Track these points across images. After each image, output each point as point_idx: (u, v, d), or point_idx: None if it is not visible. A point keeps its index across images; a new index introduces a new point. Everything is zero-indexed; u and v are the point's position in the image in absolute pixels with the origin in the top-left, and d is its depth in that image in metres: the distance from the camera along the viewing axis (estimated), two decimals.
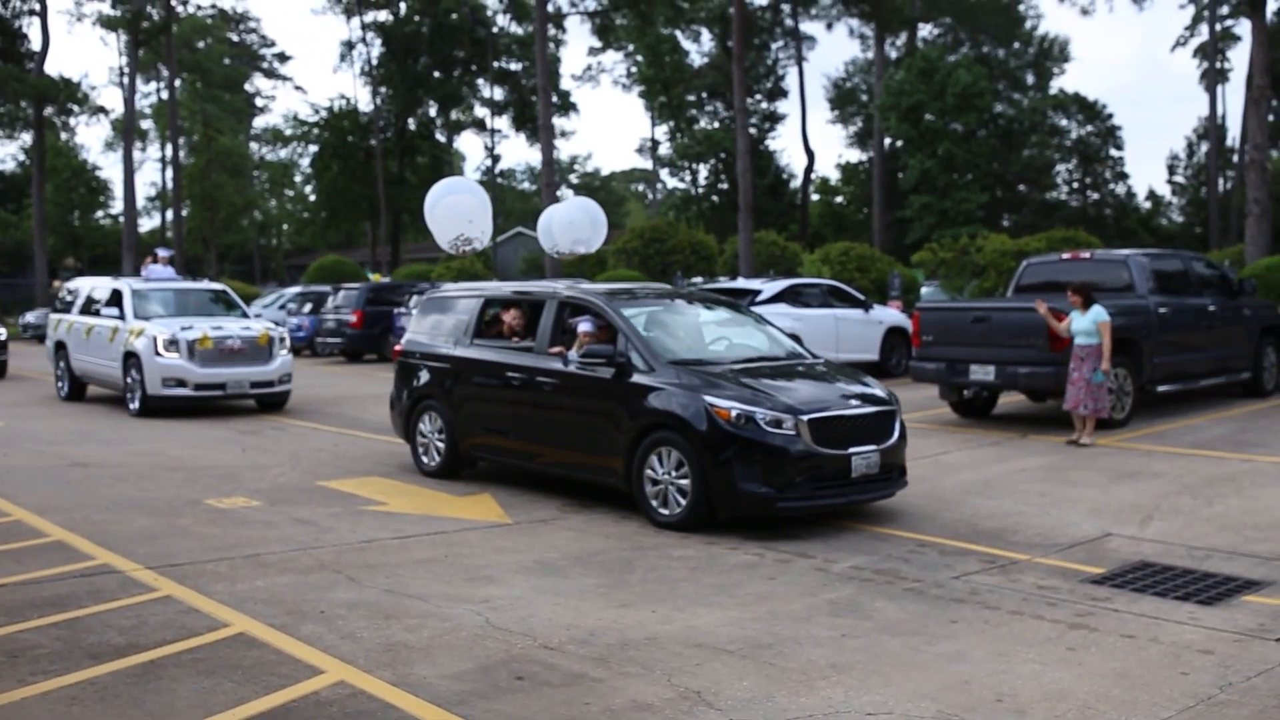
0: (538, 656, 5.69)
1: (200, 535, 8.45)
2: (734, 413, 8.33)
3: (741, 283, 21.24)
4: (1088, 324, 12.38)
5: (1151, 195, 65.68)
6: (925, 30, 63.36)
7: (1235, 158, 51.94)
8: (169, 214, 60.25)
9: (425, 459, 11.12)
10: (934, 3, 60.15)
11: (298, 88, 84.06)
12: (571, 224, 12.43)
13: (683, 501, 8.55)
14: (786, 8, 57.25)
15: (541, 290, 10.63)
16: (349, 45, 59.96)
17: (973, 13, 61.72)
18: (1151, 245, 47.86)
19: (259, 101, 77.79)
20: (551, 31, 53.91)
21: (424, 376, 11.14)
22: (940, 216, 50.52)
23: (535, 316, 10.44)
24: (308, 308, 30.90)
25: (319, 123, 58.84)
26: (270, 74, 77.13)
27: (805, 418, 8.32)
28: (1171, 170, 65.56)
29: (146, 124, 70.97)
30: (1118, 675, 5.40)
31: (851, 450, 8.48)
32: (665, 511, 8.69)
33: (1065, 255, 16.36)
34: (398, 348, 11.86)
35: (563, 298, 10.12)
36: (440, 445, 10.91)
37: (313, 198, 66.99)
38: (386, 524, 8.90)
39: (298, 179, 73.89)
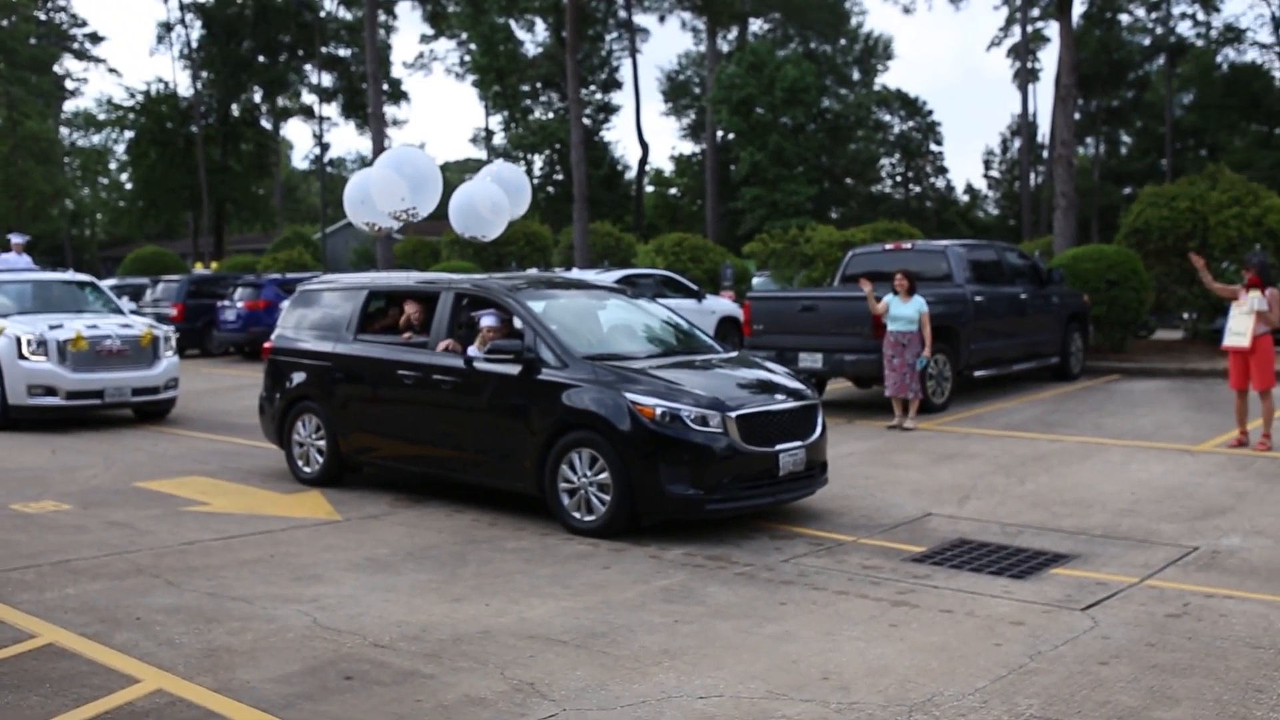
0: (368, 655, 5.58)
1: (4, 542, 7.97)
2: (658, 411, 7.85)
3: (576, 274, 21.24)
4: (910, 311, 12.83)
5: (969, 189, 68.63)
6: (755, 25, 64.59)
7: (1045, 153, 54.57)
8: None
9: (303, 466, 10.26)
10: None
11: (112, 70, 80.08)
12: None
13: (603, 506, 8.02)
14: None
15: (435, 282, 10.03)
16: (167, 27, 57.44)
17: (800, 9, 63.16)
18: (969, 236, 49.96)
19: (69, 84, 73.83)
20: (382, 17, 52.86)
21: (299, 376, 10.29)
22: (771, 208, 51.60)
23: (428, 310, 9.76)
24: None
25: (135, 107, 56.24)
26: (81, 55, 73.24)
27: (733, 414, 7.93)
28: (987, 165, 68.61)
29: None
30: (936, 648, 5.61)
31: (779, 447, 8.13)
32: (585, 518, 8.13)
33: (888, 246, 16.90)
34: (267, 345, 10.95)
35: (459, 289, 9.53)
36: (320, 450, 10.09)
37: (129, 186, 64.06)
38: (209, 524, 8.58)
39: (113, 166, 70.53)
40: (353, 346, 9.97)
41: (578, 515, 8.18)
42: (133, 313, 16.26)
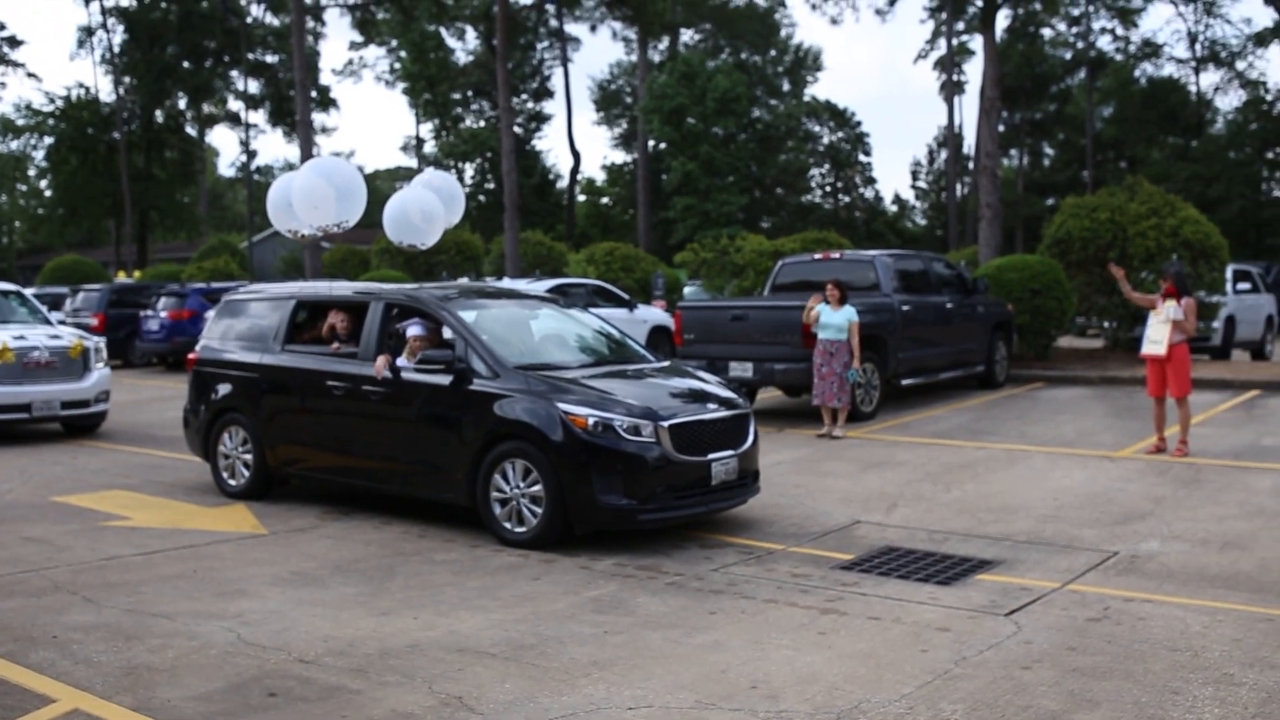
0: (293, 671, 5.49)
1: None
2: (591, 420, 7.81)
3: (507, 283, 21.18)
4: (840, 321, 12.95)
5: (897, 199, 69.74)
6: (686, 36, 64.98)
7: (971, 165, 55.52)
8: None
9: (229, 479, 10.05)
10: (695, 9, 61.71)
11: (31, 75, 78.03)
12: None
13: (535, 517, 7.97)
14: (551, 8, 57.47)
15: (363, 292, 9.80)
16: (88, 31, 56.27)
17: (731, 20, 63.70)
18: (897, 246, 50.62)
19: None
20: (310, 24, 52.30)
21: (225, 388, 10.08)
22: (702, 218, 51.93)
23: (357, 320, 9.57)
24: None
25: (55, 113, 55.02)
26: None
27: (665, 424, 7.91)
28: (915, 176, 69.73)
29: None
30: (864, 655, 5.66)
31: (711, 456, 8.12)
32: (517, 529, 8.06)
33: (817, 255, 17.08)
34: (192, 355, 10.71)
35: (389, 299, 9.36)
36: (247, 463, 9.89)
37: (49, 193, 62.60)
38: (130, 539, 8.39)
39: (32, 173, 68.88)
40: (280, 357, 9.80)
41: (510, 526, 8.11)
42: (61, 323, 15.84)
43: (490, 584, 7.12)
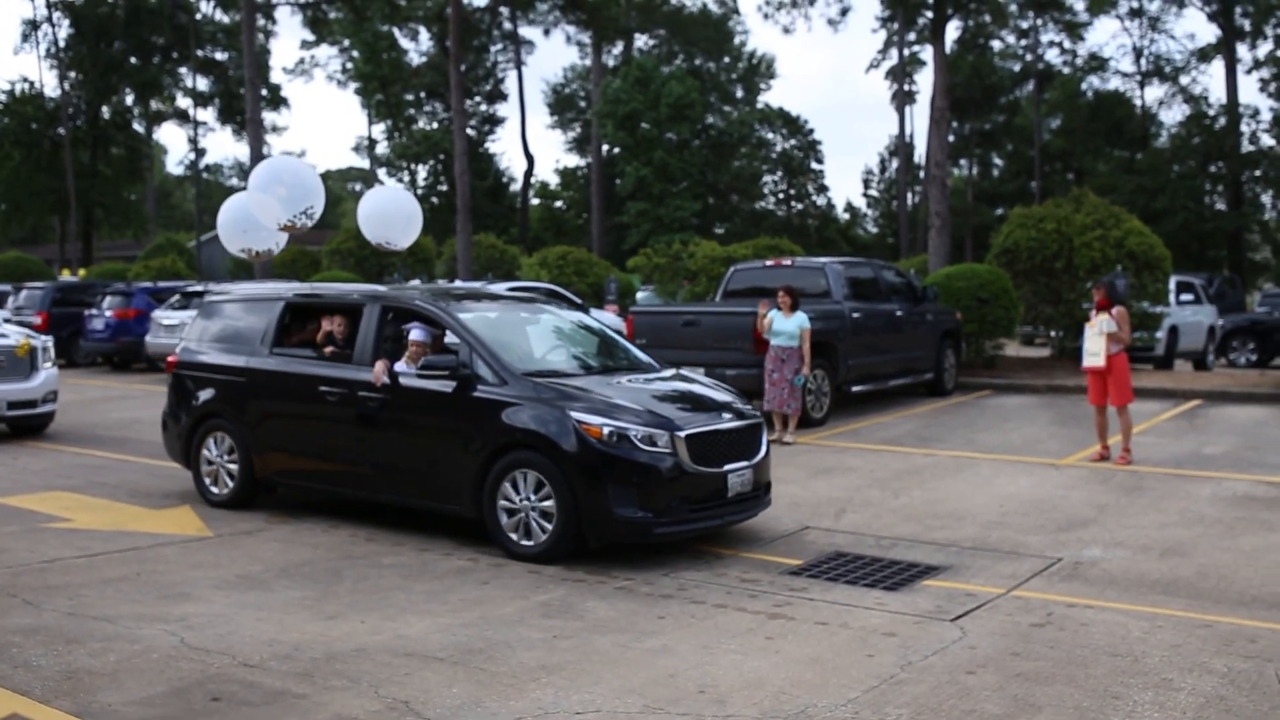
0: (237, 675, 5.43)
1: None
2: (606, 430, 7.52)
3: (454, 286, 21.06)
4: (791, 327, 13.03)
5: (849, 207, 70.21)
6: (640, 41, 65.04)
7: (922, 174, 56.06)
8: None
9: (213, 487, 9.64)
10: (649, 14, 61.83)
11: None
12: (384, 218, 10.25)
13: (545, 530, 7.66)
14: (505, 11, 57.34)
15: (358, 293, 9.45)
16: (33, 25, 55.23)
17: (685, 26, 63.85)
18: (848, 254, 51.03)
19: None
20: (260, 22, 51.78)
21: (209, 392, 9.69)
22: (656, 223, 52.00)
23: (351, 323, 9.25)
24: None
25: None
26: None
27: (682, 434, 7.65)
28: (866, 184, 70.25)
29: None
30: (811, 660, 5.70)
31: (727, 467, 7.91)
32: (526, 542, 7.74)
33: (769, 262, 17.17)
34: (171, 358, 10.30)
35: (386, 302, 9.01)
36: (232, 471, 9.51)
37: None
38: (71, 541, 8.25)
39: None
40: (269, 361, 9.43)
41: (518, 539, 7.80)
42: (6, 321, 15.52)
43: (438, 588, 7.09)
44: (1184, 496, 9.94)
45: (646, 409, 7.83)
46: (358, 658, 5.70)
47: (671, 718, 4.94)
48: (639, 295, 28.59)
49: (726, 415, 8.21)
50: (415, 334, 8.70)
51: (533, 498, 7.73)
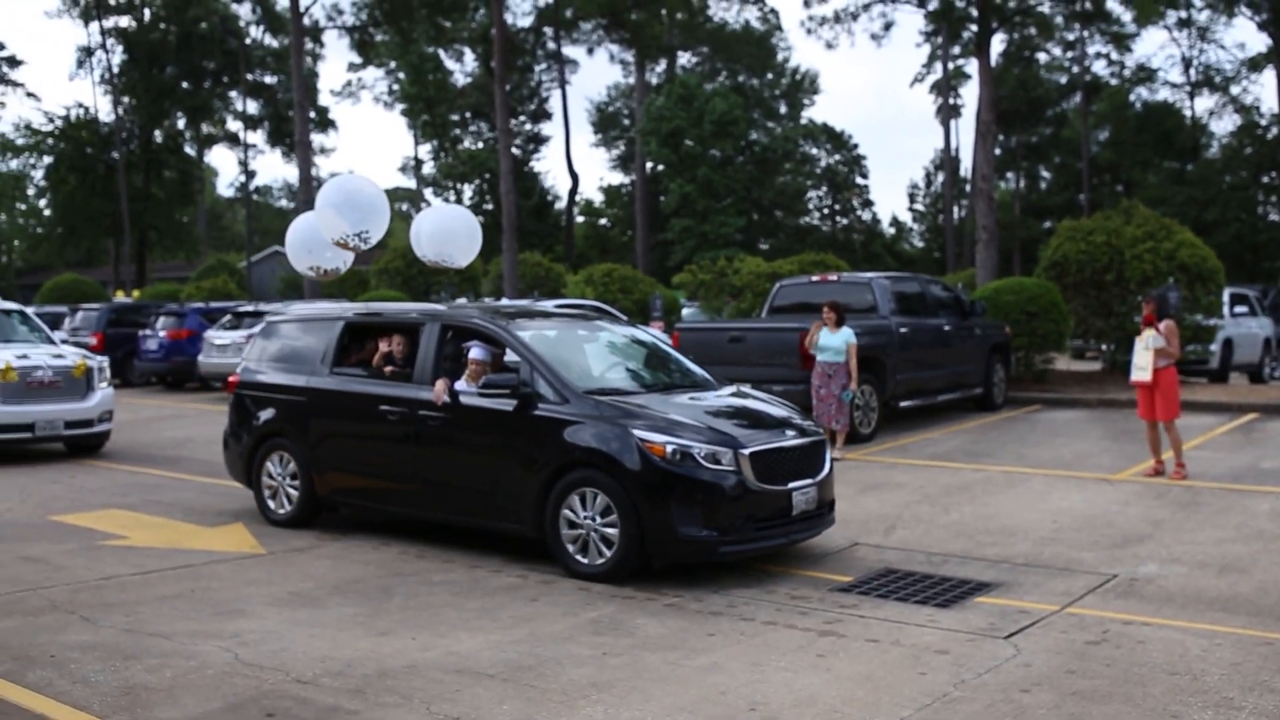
0: (290, 691, 5.48)
1: None
2: (669, 448, 7.46)
3: (506, 304, 21.18)
4: (838, 343, 12.98)
5: (895, 221, 69.74)
6: (684, 58, 65.22)
7: (968, 188, 55.69)
8: None
9: (274, 505, 9.68)
10: (692, 32, 61.94)
11: (30, 94, 78.31)
12: (446, 235, 10.09)
13: (608, 550, 7.61)
14: (549, 31, 57.73)
15: (417, 312, 9.43)
16: (87, 51, 56.39)
17: (728, 43, 63.93)
18: (894, 269, 50.75)
19: None
20: (309, 45, 52.49)
21: (270, 412, 9.75)
22: (700, 239, 52.01)
23: (410, 343, 9.27)
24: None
25: (54, 133, 55.13)
26: None
27: (745, 451, 7.58)
28: (912, 198, 69.90)
29: None
30: (862, 678, 5.66)
31: (791, 485, 7.81)
32: (586, 561, 7.70)
33: (815, 277, 17.12)
34: (233, 378, 10.40)
35: (446, 321, 9.00)
36: (292, 490, 9.54)
37: (48, 212, 62.69)
38: (127, 559, 8.38)
39: (30, 192, 68.98)
40: (329, 380, 9.46)
41: (580, 558, 7.76)
42: (64, 342, 15.84)
43: (489, 605, 7.11)
44: (1241, 511, 9.77)
45: (709, 426, 7.76)
46: (409, 674, 5.73)
47: None
48: (684, 312, 28.59)
49: (790, 432, 8.11)
50: (475, 352, 8.67)
51: (596, 517, 7.68)
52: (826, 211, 66.50)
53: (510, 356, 8.70)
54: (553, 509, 7.87)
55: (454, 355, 9.03)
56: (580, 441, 7.78)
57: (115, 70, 54.88)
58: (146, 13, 55.23)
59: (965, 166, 59.12)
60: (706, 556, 7.55)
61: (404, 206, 75.87)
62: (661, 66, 62.77)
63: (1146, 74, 55.66)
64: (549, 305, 19.98)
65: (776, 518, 7.76)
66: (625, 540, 7.53)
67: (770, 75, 67.38)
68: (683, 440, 7.54)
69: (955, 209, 56.70)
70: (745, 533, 7.57)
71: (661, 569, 7.88)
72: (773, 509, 7.73)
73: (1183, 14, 51.89)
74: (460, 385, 8.57)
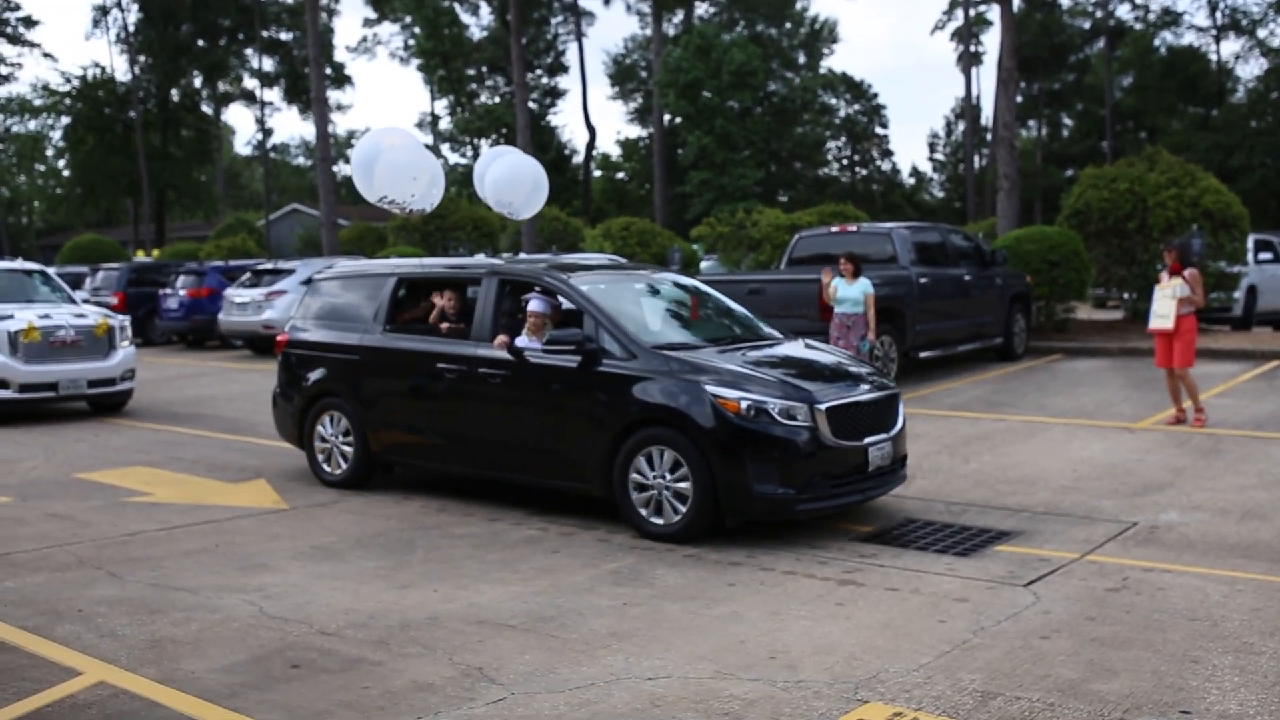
0: (314, 643, 5.54)
1: None
2: (743, 404, 7.22)
3: (524, 258, 21.17)
4: (856, 293, 12.92)
5: (915, 171, 69.22)
6: (701, 9, 64.53)
7: (989, 136, 55.14)
8: None
9: (327, 466, 9.48)
10: None
11: (47, 55, 78.33)
12: (512, 182, 9.80)
13: (681, 509, 7.38)
14: None
15: (473, 266, 9.11)
16: (103, 10, 56.36)
17: None
18: (914, 219, 50.40)
19: (2, 70, 72.39)
20: (324, 1, 52.22)
21: (320, 371, 9.48)
22: (719, 192, 51.73)
23: (463, 298, 9.07)
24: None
25: (71, 93, 55.23)
26: (15, 40, 71.77)
27: (821, 406, 7.32)
28: (932, 148, 69.30)
29: None
30: (882, 626, 5.68)
31: (867, 440, 7.56)
32: (659, 520, 7.47)
33: (834, 228, 17.01)
34: (281, 337, 10.11)
35: (503, 274, 8.71)
36: (346, 450, 9.33)
37: (66, 173, 62.97)
38: (152, 515, 8.47)
39: (49, 153, 69.22)
40: (383, 338, 9.20)
41: (651, 517, 7.55)
42: (85, 302, 15.93)
43: (509, 557, 7.16)
44: (1263, 459, 9.71)
45: (782, 381, 7.53)
46: (431, 626, 5.79)
47: (743, 683, 4.95)
48: (702, 264, 28.50)
49: (864, 386, 7.88)
50: (534, 304, 8.42)
51: (667, 475, 7.46)
52: (846, 162, 66.02)
53: (570, 309, 8.45)
54: (621, 468, 7.65)
55: (511, 310, 8.79)
56: (650, 398, 7.54)
57: (131, 29, 54.84)
58: None
59: (986, 115, 58.44)
60: (783, 514, 7.38)
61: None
62: (679, 17, 62.12)
63: (1171, 17, 54.86)
64: (568, 260, 19.94)
65: (852, 474, 7.54)
66: (698, 498, 7.31)
67: (789, 24, 66.60)
68: (757, 396, 7.30)
69: (976, 158, 56.14)
70: (821, 490, 7.35)
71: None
72: (849, 465, 7.50)
73: None
74: (521, 341, 8.31)
